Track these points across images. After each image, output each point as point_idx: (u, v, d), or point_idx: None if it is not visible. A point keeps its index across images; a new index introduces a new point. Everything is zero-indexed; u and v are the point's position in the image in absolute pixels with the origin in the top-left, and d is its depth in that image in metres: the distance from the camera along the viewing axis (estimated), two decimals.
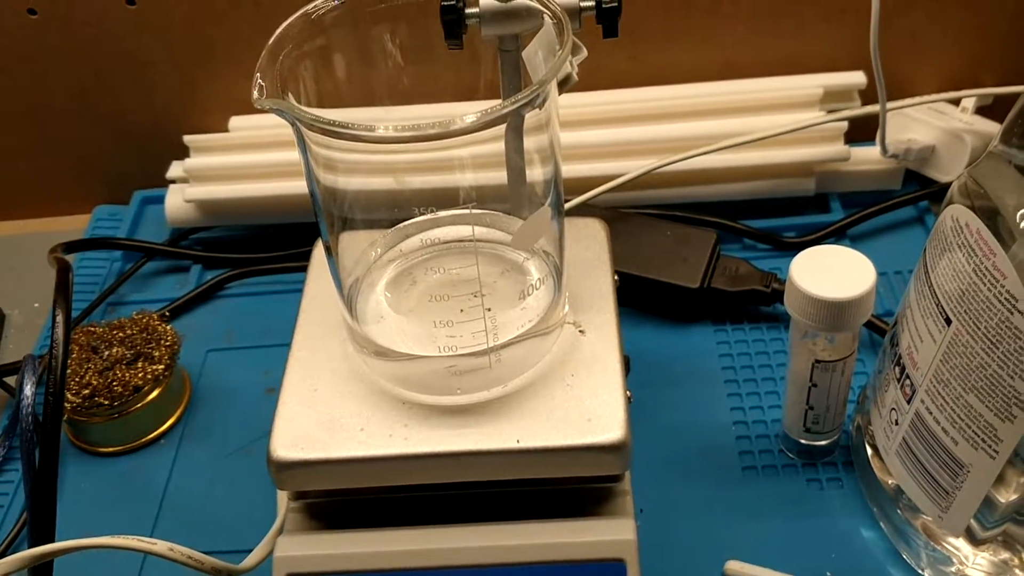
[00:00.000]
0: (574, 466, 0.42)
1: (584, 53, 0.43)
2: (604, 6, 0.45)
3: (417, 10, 0.44)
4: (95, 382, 0.56)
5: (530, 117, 0.42)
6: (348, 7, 0.42)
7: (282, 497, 0.51)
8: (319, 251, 0.52)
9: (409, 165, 0.43)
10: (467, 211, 0.46)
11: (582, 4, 0.45)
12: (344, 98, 0.45)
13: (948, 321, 0.42)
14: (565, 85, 0.42)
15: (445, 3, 0.44)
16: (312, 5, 0.41)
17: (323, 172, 0.41)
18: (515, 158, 0.46)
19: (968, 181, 0.43)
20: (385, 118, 0.61)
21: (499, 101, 0.47)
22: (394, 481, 0.43)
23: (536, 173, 0.44)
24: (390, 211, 0.47)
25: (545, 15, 0.42)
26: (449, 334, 0.43)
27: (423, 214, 0.45)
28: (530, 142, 0.44)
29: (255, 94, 0.37)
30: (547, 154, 0.43)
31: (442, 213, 0.47)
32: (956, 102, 0.70)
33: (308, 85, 0.43)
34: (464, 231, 0.47)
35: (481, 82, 0.49)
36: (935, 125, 0.68)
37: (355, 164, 0.43)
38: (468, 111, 0.65)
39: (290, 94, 0.41)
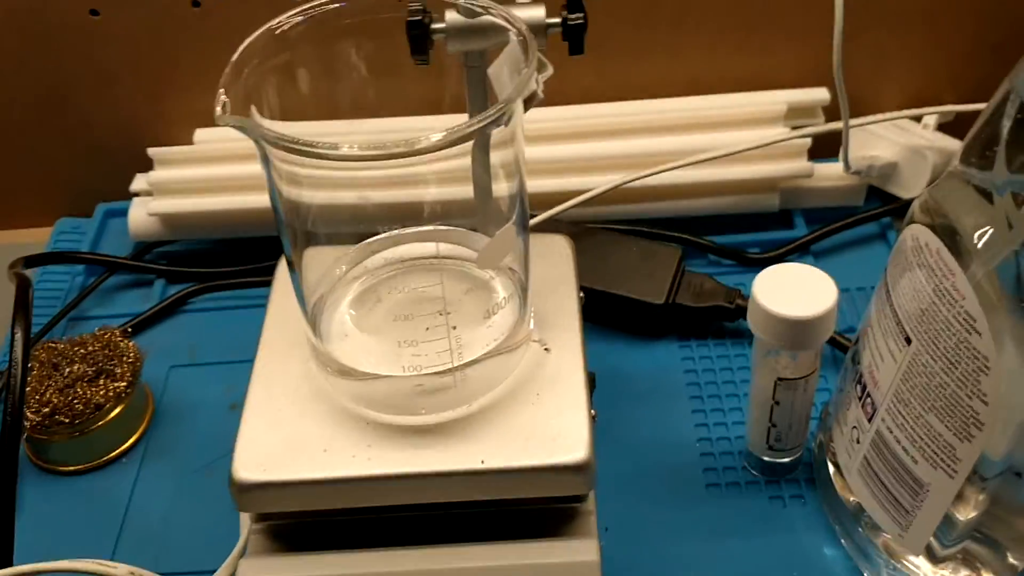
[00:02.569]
0: (538, 486, 0.42)
1: (550, 70, 0.43)
2: (570, 23, 0.45)
3: (383, 25, 0.44)
4: (55, 400, 0.55)
5: (496, 133, 0.42)
6: (314, 22, 0.42)
7: (244, 518, 0.50)
8: (283, 267, 0.51)
9: (373, 181, 0.43)
10: (432, 228, 0.47)
11: (548, 21, 0.45)
12: (308, 112, 0.45)
13: (908, 340, 0.43)
14: (531, 103, 0.42)
15: (411, 18, 0.44)
16: (277, 20, 0.41)
17: (286, 187, 0.41)
18: (481, 175, 0.46)
19: (928, 201, 0.43)
20: (350, 131, 0.61)
21: (464, 116, 0.47)
22: (357, 503, 0.43)
23: (501, 188, 0.44)
24: (354, 226, 0.47)
25: (510, 32, 0.42)
26: (414, 353, 0.43)
27: (388, 231, 0.45)
28: (495, 157, 0.44)
29: (218, 110, 0.37)
30: (512, 170, 0.43)
31: (407, 230, 0.48)
32: (918, 119, 0.71)
33: (272, 99, 0.43)
34: (429, 248, 0.47)
35: (446, 96, 0.49)
36: (897, 142, 0.68)
37: (319, 180, 0.43)
38: (433, 125, 0.65)
39: (253, 107, 0.41)
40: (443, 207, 0.46)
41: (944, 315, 0.40)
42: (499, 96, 0.44)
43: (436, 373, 0.43)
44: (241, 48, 0.39)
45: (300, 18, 0.41)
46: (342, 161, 0.37)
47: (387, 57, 0.46)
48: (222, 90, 0.38)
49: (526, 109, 0.42)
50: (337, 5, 0.42)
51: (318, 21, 0.42)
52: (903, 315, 0.43)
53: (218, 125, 0.38)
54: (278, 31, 0.41)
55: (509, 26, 0.42)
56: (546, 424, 0.43)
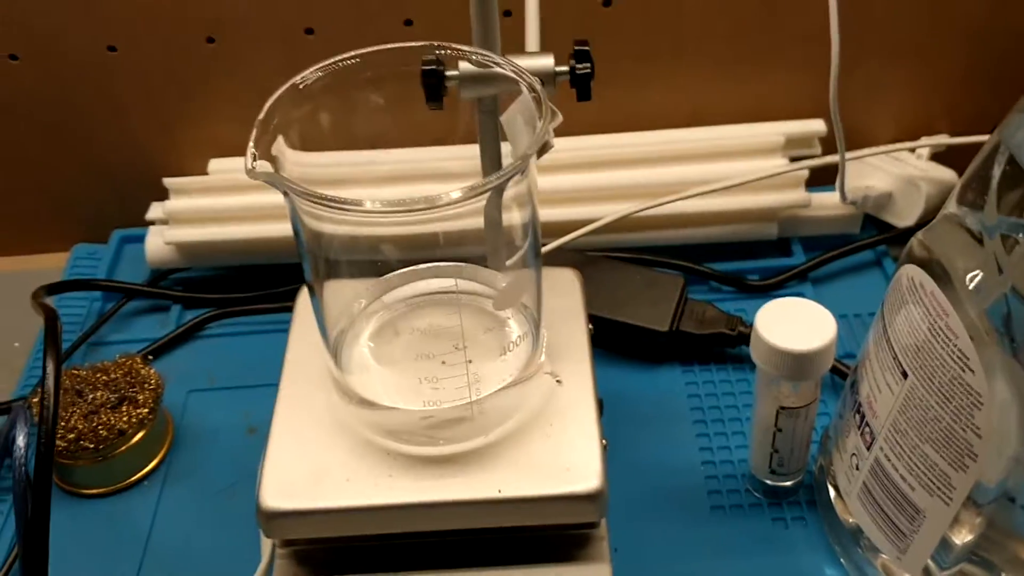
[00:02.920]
0: (553, 514, 0.44)
1: (559, 119, 0.45)
2: (578, 72, 0.47)
3: (399, 76, 0.46)
4: (80, 426, 0.57)
5: (512, 182, 0.44)
6: (333, 76, 0.44)
7: (266, 542, 0.52)
8: (304, 297, 0.53)
9: (397, 222, 0.45)
10: (447, 264, 0.49)
11: (556, 70, 0.47)
12: (329, 143, 0.47)
13: (905, 375, 0.45)
14: (544, 151, 0.44)
15: (426, 67, 0.46)
16: (300, 77, 0.43)
17: (309, 226, 0.43)
18: (494, 215, 0.48)
19: (922, 242, 0.45)
20: (369, 161, 0.63)
21: (474, 146, 0.49)
22: (379, 530, 0.44)
23: (515, 223, 0.46)
24: (374, 260, 0.49)
25: (522, 85, 0.44)
26: (433, 387, 0.45)
27: (405, 266, 0.46)
28: (510, 198, 0.46)
29: (248, 164, 0.39)
30: (526, 211, 0.45)
31: (423, 266, 0.50)
32: (912, 150, 0.73)
33: (295, 134, 0.45)
34: (446, 283, 0.49)
35: (459, 127, 0.51)
36: (892, 172, 0.71)
37: (342, 222, 0.44)
38: (454, 156, 0.66)
39: (280, 137, 0.42)
40: (458, 245, 0.48)
41: (939, 352, 0.42)
42: (512, 143, 0.46)
43: (454, 407, 0.45)
44: (266, 107, 0.41)
45: (320, 73, 0.43)
46: (367, 216, 0.39)
47: (403, 98, 0.48)
48: (252, 145, 0.40)
49: (538, 157, 0.44)
50: (355, 61, 0.44)
51: (338, 75, 0.44)
52: (899, 349, 0.45)
53: (234, 151, 0.40)
54: (302, 87, 0.43)
55: (520, 79, 0.44)
56: (559, 454, 0.45)
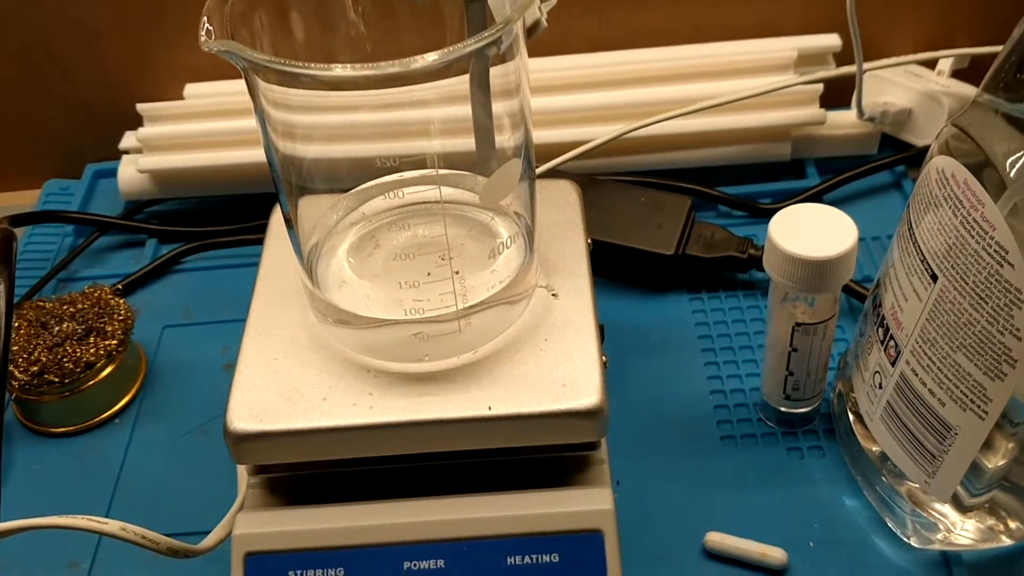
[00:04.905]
0: (549, 433, 0.40)
1: (553, 0, 0.41)
2: None
3: None
4: (44, 359, 0.53)
5: (499, 75, 0.40)
6: None
7: (243, 475, 0.48)
8: (276, 219, 0.49)
9: (370, 126, 0.41)
10: (432, 172, 0.44)
11: None
12: (300, 59, 0.43)
13: (934, 278, 0.41)
14: (534, 32, 0.40)
15: None
16: None
17: (280, 139, 0.39)
18: (481, 115, 0.44)
19: (953, 131, 0.41)
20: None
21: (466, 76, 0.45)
22: (359, 452, 0.41)
23: (506, 133, 0.42)
24: (352, 174, 0.45)
25: None
26: (416, 297, 0.41)
27: (386, 172, 0.42)
28: (500, 105, 0.42)
29: (202, 36, 0.35)
30: (516, 111, 0.41)
31: (406, 174, 0.45)
32: (932, 65, 0.68)
33: (264, 49, 0.41)
34: (430, 193, 0.45)
35: (447, 42, 0.46)
36: (911, 88, 0.66)
37: (314, 125, 0.40)
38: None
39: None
40: (442, 149, 0.44)
41: (973, 248, 0.38)
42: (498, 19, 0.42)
43: (439, 318, 0.41)
44: None
45: None
46: (335, 85, 0.35)
47: (385, 2, 0.44)
48: (205, 18, 0.36)
49: (529, 39, 0.40)
50: None
51: None
52: (928, 252, 0.41)
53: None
54: None
55: None
56: (555, 370, 0.41)
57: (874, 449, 0.48)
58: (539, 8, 0.39)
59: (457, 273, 0.41)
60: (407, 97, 0.37)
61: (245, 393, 0.41)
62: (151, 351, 0.60)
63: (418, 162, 0.44)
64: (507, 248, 0.43)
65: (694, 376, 0.56)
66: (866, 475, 0.49)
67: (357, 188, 0.45)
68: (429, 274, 0.41)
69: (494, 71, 0.40)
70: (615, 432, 0.47)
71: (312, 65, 0.33)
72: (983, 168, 0.38)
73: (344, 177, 0.45)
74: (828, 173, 0.66)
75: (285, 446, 0.40)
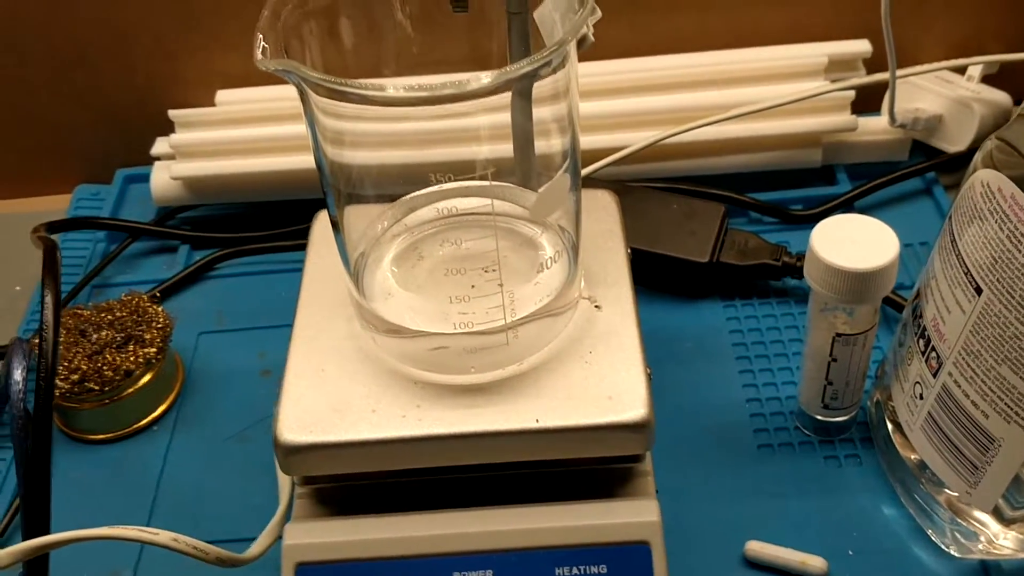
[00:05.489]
0: (595, 446, 0.41)
1: (599, 14, 0.41)
2: None
3: None
4: (84, 367, 0.54)
5: (548, 82, 0.40)
6: None
7: (284, 483, 0.49)
8: (319, 224, 0.50)
9: (419, 136, 0.41)
10: (484, 183, 0.45)
11: None
12: (349, 68, 0.43)
13: (979, 291, 0.41)
14: (582, 46, 0.40)
15: None
16: None
17: (330, 146, 0.39)
18: (524, 124, 0.44)
19: (998, 145, 0.41)
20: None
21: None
22: (408, 464, 0.41)
23: (554, 142, 0.42)
24: (398, 184, 0.45)
25: None
26: (462, 310, 0.41)
27: (438, 182, 0.43)
28: (548, 110, 0.42)
29: (257, 54, 0.35)
30: (565, 123, 0.41)
31: (447, 185, 0.46)
32: (963, 71, 0.68)
33: (313, 54, 0.41)
34: (479, 203, 0.45)
35: (494, 51, 0.47)
36: (942, 94, 0.66)
37: (364, 135, 0.41)
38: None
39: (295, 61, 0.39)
40: (485, 160, 0.44)
41: (1020, 262, 0.38)
42: (547, 40, 0.42)
43: (487, 331, 0.41)
44: None
45: None
46: (389, 105, 0.35)
47: (431, 8, 0.44)
48: (260, 35, 0.36)
49: (577, 49, 0.40)
50: None
51: None
52: (972, 264, 0.41)
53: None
54: None
55: None
56: (601, 382, 0.41)
57: (913, 457, 0.48)
58: (587, 23, 0.39)
59: (501, 286, 0.41)
60: (455, 110, 0.37)
61: (295, 404, 0.41)
62: (187, 358, 0.60)
63: (464, 173, 0.44)
64: (554, 263, 0.43)
65: (729, 384, 0.56)
66: (904, 483, 0.49)
67: (404, 198, 0.45)
68: (474, 286, 0.41)
69: (544, 82, 0.40)
70: None
71: (367, 84, 0.33)
72: None
73: (391, 186, 0.45)
74: (859, 179, 0.66)
75: (335, 457, 0.40)
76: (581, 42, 0.40)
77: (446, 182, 0.42)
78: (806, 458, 0.52)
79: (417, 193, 0.45)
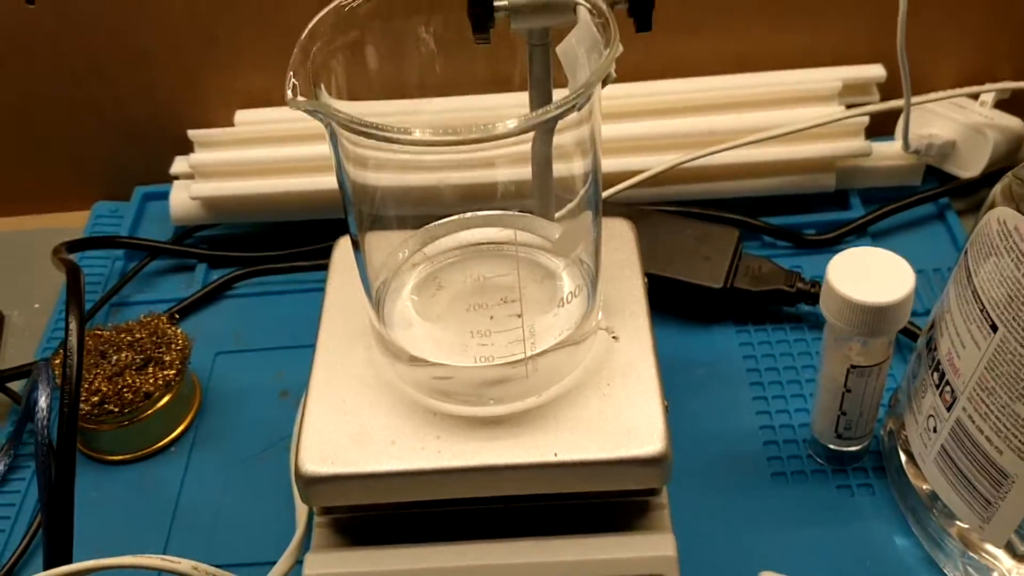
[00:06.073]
0: (613, 480, 0.41)
1: (620, 48, 0.41)
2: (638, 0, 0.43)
3: (453, 5, 0.43)
4: (104, 388, 0.54)
5: (572, 117, 0.41)
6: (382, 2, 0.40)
7: (301, 510, 0.50)
8: (340, 250, 0.50)
9: (441, 164, 0.41)
10: (494, 213, 0.45)
11: None
12: (375, 90, 0.44)
13: (994, 328, 0.41)
14: (605, 83, 0.40)
15: None
16: None
17: (354, 168, 0.40)
18: (545, 157, 0.44)
19: (1014, 183, 0.42)
20: (417, 110, 0.59)
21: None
22: (427, 496, 0.41)
23: (576, 172, 0.42)
24: (421, 208, 0.46)
25: (581, 8, 0.40)
26: (483, 343, 0.41)
27: (460, 212, 0.43)
28: (570, 137, 0.42)
29: (288, 94, 0.36)
30: (587, 155, 0.42)
31: (469, 215, 0.46)
32: (976, 96, 0.69)
33: (339, 77, 0.41)
34: (500, 234, 0.46)
35: (516, 73, 0.47)
36: (955, 120, 0.67)
37: (388, 161, 0.41)
38: (502, 104, 0.63)
39: (321, 86, 0.39)
40: (505, 190, 0.45)
41: None
42: (570, 75, 0.42)
43: (507, 363, 0.41)
44: (309, 28, 0.38)
45: None
46: (414, 146, 0.36)
47: (455, 34, 0.45)
48: (291, 73, 0.36)
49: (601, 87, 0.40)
50: None
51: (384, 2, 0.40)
52: (987, 301, 0.42)
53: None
54: (347, 8, 0.39)
55: (582, 2, 0.40)
56: (619, 415, 0.42)
57: (925, 488, 0.49)
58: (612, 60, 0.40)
59: (521, 317, 0.42)
60: (479, 147, 0.38)
61: (315, 434, 0.42)
62: (204, 378, 0.61)
63: (485, 201, 0.45)
64: (575, 297, 0.43)
65: (743, 411, 0.56)
66: (916, 514, 0.50)
67: (427, 226, 0.46)
68: (492, 318, 0.42)
69: (568, 119, 0.41)
70: None
71: (394, 128, 0.34)
72: None
73: (414, 210, 0.46)
74: (872, 203, 0.67)
75: (355, 489, 0.41)
76: (605, 79, 0.40)
77: (467, 212, 0.42)
78: (819, 487, 0.52)
79: (439, 222, 0.46)
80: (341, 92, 0.41)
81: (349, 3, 0.39)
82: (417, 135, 0.34)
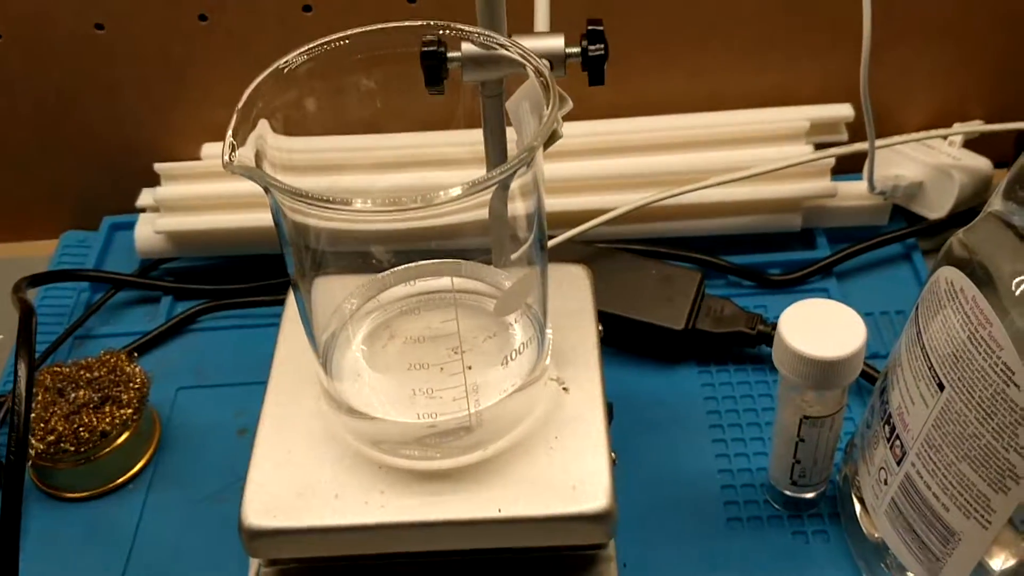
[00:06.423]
0: (558, 535, 0.41)
1: (569, 105, 0.41)
2: (591, 55, 0.43)
3: (394, 58, 0.43)
4: (61, 427, 0.54)
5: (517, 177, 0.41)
6: (321, 60, 0.40)
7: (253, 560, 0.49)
8: (292, 302, 0.50)
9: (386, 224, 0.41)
10: (446, 261, 0.45)
11: (567, 51, 0.43)
12: (317, 129, 0.44)
13: (941, 386, 0.41)
14: (551, 142, 0.40)
15: (426, 49, 0.42)
16: (284, 60, 0.39)
17: (294, 215, 0.40)
18: (499, 209, 0.44)
19: (963, 243, 0.42)
20: (358, 147, 0.59)
21: (477, 131, 0.46)
22: (370, 550, 0.41)
23: (519, 215, 0.42)
24: (365, 252, 0.45)
25: (528, 69, 0.40)
26: (428, 398, 0.41)
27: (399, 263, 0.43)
28: (513, 186, 0.42)
29: (225, 158, 0.36)
30: (530, 195, 0.41)
31: (421, 263, 0.46)
32: (945, 136, 0.69)
33: (279, 119, 0.41)
34: (443, 283, 0.46)
35: (459, 110, 0.47)
36: (923, 161, 0.67)
37: (328, 225, 0.41)
38: (447, 141, 0.63)
39: (264, 121, 0.39)
40: (457, 239, 0.45)
41: (980, 364, 0.39)
42: (518, 132, 0.42)
43: (452, 418, 0.41)
44: (247, 94, 0.38)
45: (306, 57, 0.40)
46: (356, 215, 0.36)
47: (399, 82, 0.45)
48: (230, 135, 0.36)
49: (545, 148, 0.40)
50: (344, 43, 0.40)
51: (326, 58, 0.40)
52: (936, 359, 0.42)
53: (227, 171, 0.37)
54: (286, 71, 0.39)
55: (527, 62, 0.40)
56: (565, 470, 0.41)
57: (876, 536, 0.49)
58: (557, 118, 0.40)
59: (470, 369, 0.42)
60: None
61: (260, 487, 0.42)
62: (165, 413, 0.61)
63: (430, 248, 0.45)
64: (525, 348, 0.43)
65: (702, 454, 0.56)
66: (869, 562, 0.50)
67: (372, 277, 0.46)
68: (442, 369, 0.42)
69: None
70: (622, 509, 0.48)
71: (334, 198, 0.34)
72: (992, 282, 0.39)
73: (358, 260, 0.45)
74: (838, 242, 0.67)
75: (297, 542, 0.41)
76: (551, 138, 0.40)
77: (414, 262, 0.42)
78: (775, 532, 0.52)
79: (387, 272, 0.46)
80: (278, 129, 0.41)
81: (287, 65, 0.39)
82: (357, 205, 0.34)
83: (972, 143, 0.69)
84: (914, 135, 0.66)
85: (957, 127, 0.69)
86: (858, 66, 0.56)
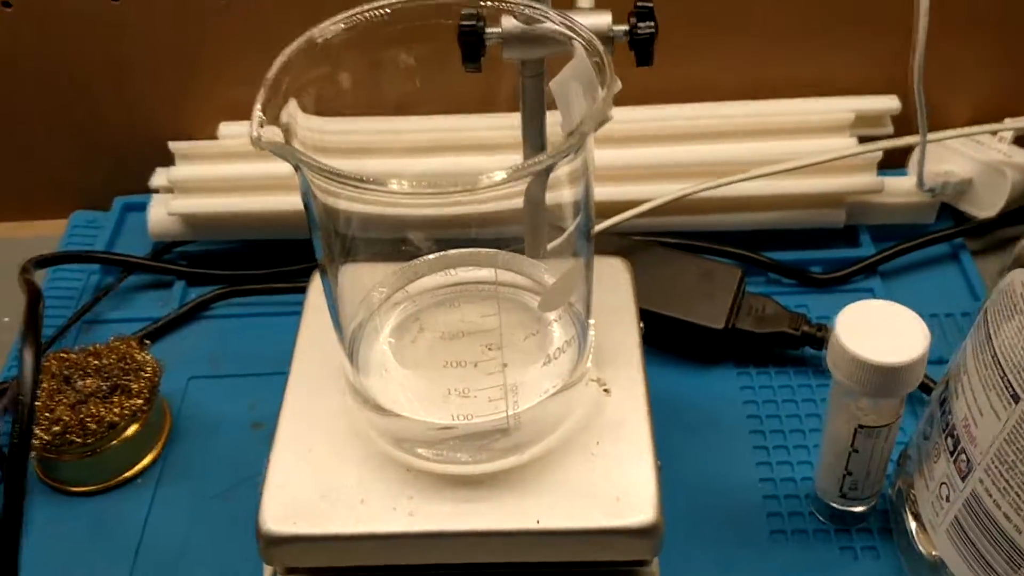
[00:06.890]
0: (599, 551, 0.38)
1: (618, 85, 0.38)
2: (639, 34, 0.40)
3: (433, 30, 0.40)
4: (67, 417, 0.51)
5: (564, 162, 0.38)
6: (358, 31, 0.37)
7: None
8: (314, 289, 0.47)
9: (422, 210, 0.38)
10: (482, 251, 0.42)
11: (614, 29, 0.40)
12: (349, 108, 0.41)
13: (1016, 398, 0.38)
14: (600, 125, 0.37)
15: (464, 23, 0.40)
16: (318, 29, 0.36)
17: (324, 197, 0.37)
18: (537, 197, 0.41)
19: None
20: (394, 129, 0.56)
21: (516, 115, 0.43)
22: (396, 561, 0.39)
23: (566, 205, 0.39)
24: (398, 239, 0.43)
25: (577, 45, 0.37)
26: (463, 397, 0.38)
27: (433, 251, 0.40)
28: (560, 174, 0.39)
29: (254, 133, 0.33)
30: (578, 184, 0.39)
31: (454, 252, 0.43)
32: (994, 132, 0.65)
33: (311, 95, 0.38)
34: (483, 273, 0.43)
35: (500, 92, 0.44)
36: (973, 157, 0.64)
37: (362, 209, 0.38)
38: (490, 125, 0.60)
39: (293, 100, 0.36)
40: (495, 228, 0.42)
41: None
42: (563, 113, 0.39)
43: (488, 420, 0.38)
44: (277, 63, 0.35)
45: (343, 26, 0.37)
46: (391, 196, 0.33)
47: (437, 59, 0.42)
48: (258, 109, 0.33)
49: (595, 130, 0.37)
50: (383, 13, 0.37)
51: (362, 30, 0.37)
52: (1010, 368, 0.39)
53: (247, 115, 0.34)
54: (320, 41, 0.36)
55: (575, 36, 0.37)
56: (608, 478, 0.39)
57: (932, 553, 0.46)
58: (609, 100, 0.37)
59: (506, 366, 0.39)
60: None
61: (279, 489, 0.39)
62: (175, 403, 0.58)
63: (467, 236, 0.42)
64: (567, 347, 0.40)
65: (742, 461, 0.53)
66: None
67: (403, 265, 0.43)
68: (476, 365, 0.39)
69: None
70: None
71: (369, 178, 0.31)
72: None
73: (390, 246, 0.43)
74: (882, 240, 0.64)
75: (319, 551, 0.38)
76: (602, 122, 0.37)
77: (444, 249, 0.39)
78: (821, 547, 0.49)
79: (420, 259, 0.43)
80: (309, 108, 0.38)
81: (322, 35, 0.36)
82: (393, 187, 0.31)
83: (1022, 141, 0.66)
84: (964, 130, 0.62)
85: (1008, 122, 0.66)
86: (902, 56, 0.53)
